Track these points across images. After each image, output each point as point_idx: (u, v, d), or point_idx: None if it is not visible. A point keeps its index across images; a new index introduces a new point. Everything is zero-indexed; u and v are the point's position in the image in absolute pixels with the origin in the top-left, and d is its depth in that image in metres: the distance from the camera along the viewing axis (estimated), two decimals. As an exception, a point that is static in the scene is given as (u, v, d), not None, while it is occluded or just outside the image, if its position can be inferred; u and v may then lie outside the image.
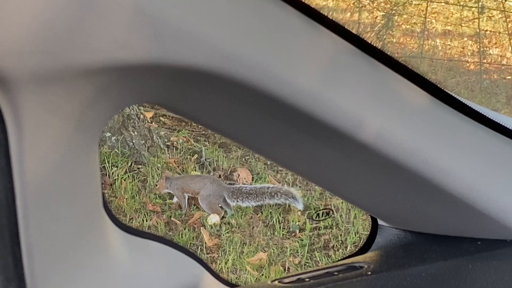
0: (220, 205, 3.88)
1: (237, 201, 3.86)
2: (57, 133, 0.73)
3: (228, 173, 4.35)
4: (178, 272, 0.96)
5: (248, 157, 4.56)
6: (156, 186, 4.01)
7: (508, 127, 0.91)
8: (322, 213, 0.96)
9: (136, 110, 4.62)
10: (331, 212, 0.94)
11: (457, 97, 0.88)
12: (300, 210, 3.81)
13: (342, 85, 0.80)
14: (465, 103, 0.88)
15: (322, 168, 0.92)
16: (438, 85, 0.87)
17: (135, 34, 0.69)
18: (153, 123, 4.98)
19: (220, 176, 4.27)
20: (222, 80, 0.74)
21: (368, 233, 1.06)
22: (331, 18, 0.80)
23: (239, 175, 4.29)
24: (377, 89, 0.83)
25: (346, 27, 0.81)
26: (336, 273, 0.93)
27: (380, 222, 1.05)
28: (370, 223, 1.06)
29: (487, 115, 0.90)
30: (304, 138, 0.85)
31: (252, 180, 4.25)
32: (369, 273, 0.92)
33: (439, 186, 0.86)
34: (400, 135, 0.84)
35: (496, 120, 0.90)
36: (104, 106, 0.76)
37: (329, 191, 0.97)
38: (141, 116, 4.69)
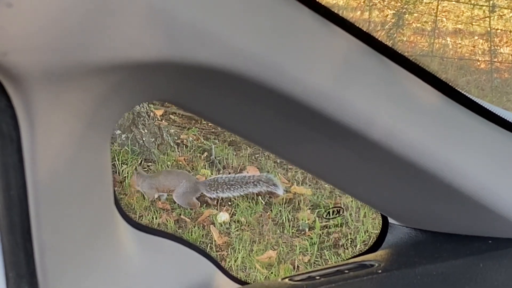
0: (196, 198, 3.89)
1: (217, 192, 3.87)
2: (69, 130, 0.73)
3: (238, 171, 4.35)
4: (189, 269, 0.96)
5: (258, 155, 4.56)
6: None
7: None
8: (333, 211, 0.95)
9: (146, 108, 4.63)
10: (341, 210, 0.94)
11: (468, 95, 0.88)
12: (279, 195, 3.88)
13: (354, 84, 0.80)
14: (476, 101, 0.88)
15: (333, 166, 0.92)
16: (450, 84, 0.86)
17: (147, 32, 0.69)
18: (163, 121, 4.99)
19: (229, 174, 4.27)
20: (234, 77, 0.74)
21: (378, 231, 1.06)
22: (343, 16, 0.80)
23: (248, 173, 4.28)
24: (389, 88, 0.83)
25: (357, 25, 0.81)
26: (346, 271, 0.93)
27: (390, 220, 1.05)
28: (380, 221, 1.06)
29: (498, 113, 0.90)
30: (315, 136, 0.85)
31: (262, 179, 4.24)
32: (380, 271, 0.92)
33: (449, 184, 0.86)
34: (411, 134, 0.84)
35: (507, 119, 0.90)
36: (116, 103, 0.77)
37: (340, 189, 0.97)
38: (151, 114, 4.69)
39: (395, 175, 0.88)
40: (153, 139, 4.51)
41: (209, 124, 4.91)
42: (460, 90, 0.87)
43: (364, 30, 0.81)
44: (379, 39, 0.82)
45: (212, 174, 4.29)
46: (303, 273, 0.94)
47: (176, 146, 4.62)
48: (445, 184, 0.86)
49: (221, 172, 4.33)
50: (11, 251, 0.77)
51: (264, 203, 3.96)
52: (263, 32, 0.75)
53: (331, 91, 0.78)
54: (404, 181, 0.89)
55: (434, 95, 0.85)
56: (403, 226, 1.03)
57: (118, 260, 0.87)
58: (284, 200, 3.97)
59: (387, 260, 0.96)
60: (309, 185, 4.07)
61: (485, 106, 0.89)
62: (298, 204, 3.92)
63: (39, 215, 0.76)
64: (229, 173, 4.29)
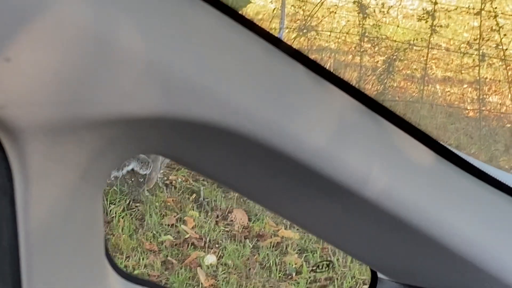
0: None
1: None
2: (63, 182, 0.73)
3: (226, 213, 4.34)
4: None
5: (246, 198, 4.54)
6: None
7: (510, 185, 0.92)
8: (322, 265, 0.95)
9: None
10: (331, 264, 0.94)
11: (461, 154, 0.89)
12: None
13: (348, 142, 0.81)
14: (468, 161, 0.89)
15: (323, 221, 0.92)
16: (442, 144, 0.87)
17: (144, 87, 0.70)
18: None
19: (217, 217, 4.27)
20: (228, 134, 0.75)
21: (365, 277, 1.06)
22: (338, 75, 0.81)
23: (235, 216, 4.28)
24: (383, 147, 0.84)
25: (353, 84, 0.82)
26: None
27: (379, 275, 1.05)
28: (369, 272, 1.06)
29: (489, 173, 0.91)
30: (307, 192, 0.85)
31: (250, 221, 4.24)
32: None
33: (439, 242, 0.87)
34: (404, 192, 0.84)
35: (497, 178, 0.91)
36: (110, 157, 0.77)
37: (330, 243, 0.98)
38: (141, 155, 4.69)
39: (385, 232, 0.88)
40: (142, 180, 4.49)
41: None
42: (453, 150, 0.88)
43: (359, 89, 0.83)
44: (374, 98, 0.83)
45: (200, 215, 4.28)
46: None
47: (164, 187, 4.61)
48: (435, 242, 0.87)
49: (209, 214, 4.32)
50: None
51: (251, 246, 3.95)
52: (259, 89, 0.75)
53: (325, 149, 0.79)
54: (394, 238, 0.90)
55: (427, 154, 0.86)
56: (392, 281, 1.03)
57: None
58: (272, 243, 3.96)
59: None
60: (297, 229, 4.06)
61: (477, 166, 0.89)
62: (286, 248, 3.91)
63: (31, 266, 0.75)
64: (217, 216, 4.28)
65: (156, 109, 0.71)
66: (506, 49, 4.84)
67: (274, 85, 0.77)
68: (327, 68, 0.81)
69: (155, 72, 0.70)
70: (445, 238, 0.87)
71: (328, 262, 0.97)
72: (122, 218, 4.07)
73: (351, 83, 0.82)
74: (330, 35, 7.32)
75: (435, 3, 5.20)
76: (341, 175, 0.80)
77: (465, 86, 6.81)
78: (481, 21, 4.87)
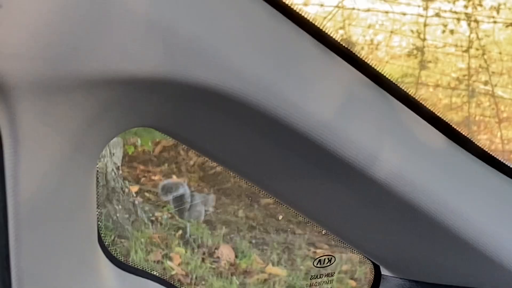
0: None
1: None
2: (55, 151, 0.69)
3: (213, 250, 4.29)
4: None
5: (233, 235, 4.51)
6: None
7: None
8: (324, 259, 0.92)
9: (121, 183, 4.58)
10: (332, 259, 0.90)
11: (472, 139, 0.85)
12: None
13: (356, 117, 0.77)
14: (480, 146, 0.86)
15: (328, 207, 0.88)
16: (454, 127, 0.84)
17: (143, 45, 0.66)
18: (138, 197, 4.92)
19: (204, 253, 4.21)
20: (230, 100, 0.71)
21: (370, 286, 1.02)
22: (348, 48, 0.78)
23: (221, 252, 4.24)
24: (392, 126, 0.81)
25: (363, 59, 0.79)
26: None
27: (383, 272, 1.01)
28: (373, 274, 1.02)
29: (501, 160, 0.87)
30: (311, 170, 0.81)
31: (237, 258, 4.19)
32: None
33: (449, 228, 0.83)
34: (412, 174, 0.81)
35: (510, 166, 0.88)
36: (105, 125, 0.72)
37: (334, 233, 0.93)
38: (126, 190, 4.64)
39: (394, 217, 0.84)
40: (127, 216, 4.44)
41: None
42: (464, 134, 0.84)
43: (370, 64, 0.79)
44: (386, 76, 0.80)
45: (186, 252, 4.22)
46: None
47: (150, 223, 4.54)
48: (444, 228, 0.83)
49: (195, 250, 4.26)
50: None
51: (238, 283, 3.89)
52: (264, 54, 0.72)
53: (331, 121, 0.75)
54: (403, 224, 0.86)
55: (438, 137, 0.83)
56: (396, 277, 0.99)
57: None
58: (259, 280, 3.90)
59: None
60: (285, 266, 4.01)
61: (488, 152, 0.86)
62: (273, 285, 3.85)
63: (19, 240, 0.70)
64: (204, 253, 4.23)
65: (156, 70, 0.67)
66: (495, 85, 4.86)
67: (280, 53, 0.73)
68: (337, 41, 0.78)
69: (156, 31, 0.66)
70: (455, 224, 0.83)
71: (329, 257, 0.93)
72: (107, 253, 4.00)
73: (363, 59, 0.79)
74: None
75: (424, 40, 5.24)
76: (347, 151, 0.76)
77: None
78: (469, 58, 4.90)
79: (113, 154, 4.45)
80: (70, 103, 0.66)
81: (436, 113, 0.83)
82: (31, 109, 0.65)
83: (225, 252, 4.21)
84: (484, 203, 0.86)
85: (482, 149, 0.85)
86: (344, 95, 0.77)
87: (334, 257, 0.97)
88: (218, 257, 4.20)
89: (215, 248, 4.29)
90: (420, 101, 0.82)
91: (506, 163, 0.87)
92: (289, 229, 4.41)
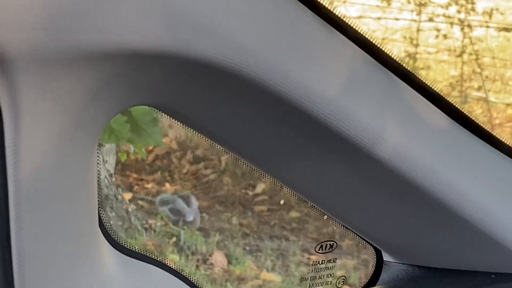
0: None
1: None
2: (56, 128, 0.68)
3: (207, 257, 4.28)
4: None
5: (227, 242, 4.49)
6: None
7: None
8: (326, 245, 0.92)
9: (114, 191, 4.57)
10: (334, 244, 0.90)
11: (476, 121, 0.85)
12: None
13: (359, 96, 0.77)
14: (484, 127, 0.85)
15: (330, 188, 0.87)
16: (457, 107, 0.84)
17: (145, 17, 0.65)
18: (131, 205, 4.91)
19: (198, 260, 4.20)
20: (233, 76, 0.70)
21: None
22: (356, 29, 0.78)
23: (215, 258, 4.23)
24: (396, 105, 0.80)
25: (368, 38, 0.79)
26: None
27: (385, 258, 1.00)
28: (375, 260, 1.01)
29: (505, 142, 0.87)
30: (313, 150, 0.80)
31: (230, 264, 4.18)
32: None
33: (453, 209, 0.83)
34: (416, 153, 0.80)
35: None
36: (107, 102, 0.72)
37: (336, 217, 0.92)
38: (119, 197, 4.62)
39: (397, 198, 0.84)
40: (121, 223, 4.42)
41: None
42: (470, 116, 0.84)
43: (375, 43, 0.79)
44: (391, 56, 0.80)
45: (180, 259, 4.20)
46: None
47: (144, 231, 4.53)
48: (448, 208, 0.82)
49: (189, 257, 4.25)
50: None
51: (232, 289, 3.88)
52: (266, 30, 0.71)
53: (334, 99, 0.74)
54: (406, 206, 0.85)
55: (441, 117, 0.82)
56: (399, 263, 0.98)
57: (100, 280, 0.81)
58: (253, 287, 3.89)
59: None
60: (279, 272, 4.00)
61: (492, 133, 0.86)
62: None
63: (20, 219, 0.69)
64: (198, 260, 4.21)
65: (157, 43, 0.66)
66: (489, 90, 4.87)
67: (284, 28, 0.73)
68: (342, 19, 0.77)
69: (157, 3, 0.66)
70: (459, 205, 0.83)
71: (331, 243, 0.92)
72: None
73: (368, 39, 0.79)
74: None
75: (417, 46, 5.24)
76: (350, 129, 0.76)
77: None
78: (462, 63, 4.91)
79: (106, 161, 4.43)
80: (70, 77, 0.65)
81: (440, 93, 0.83)
82: (32, 83, 0.64)
83: (219, 259, 4.20)
84: (488, 184, 0.86)
85: (486, 130, 0.85)
86: (348, 74, 0.77)
87: (336, 242, 0.96)
88: (211, 264, 4.19)
89: (209, 255, 4.28)
90: (425, 81, 0.82)
91: (510, 145, 0.87)
92: (283, 236, 4.41)
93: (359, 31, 0.78)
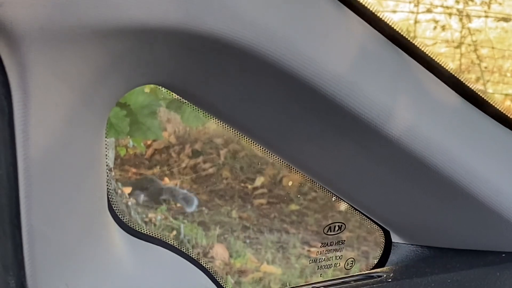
0: None
1: None
2: (65, 105, 0.67)
3: (207, 250, 4.28)
4: (182, 279, 0.90)
5: (227, 235, 4.49)
6: None
7: None
8: (334, 227, 0.91)
9: (114, 185, 4.56)
10: (343, 226, 0.90)
11: (488, 100, 0.85)
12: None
13: (370, 73, 0.76)
14: (495, 106, 0.85)
15: (340, 168, 0.87)
16: (469, 86, 0.83)
17: None
18: (131, 198, 4.91)
19: (198, 253, 4.20)
20: (242, 52, 0.70)
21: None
22: (367, 7, 0.77)
23: (216, 251, 4.23)
24: (407, 83, 0.80)
25: (378, 15, 0.78)
26: (353, 281, 0.87)
27: (394, 239, 1.00)
28: (383, 241, 1.01)
29: None
30: (323, 128, 0.80)
31: (231, 257, 4.18)
32: (390, 280, 0.86)
33: (464, 187, 0.82)
34: (427, 131, 0.80)
35: None
36: (115, 81, 0.71)
37: (345, 198, 0.92)
38: (119, 192, 4.61)
39: (407, 177, 0.83)
40: (121, 217, 4.41)
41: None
42: (481, 95, 0.84)
43: (385, 21, 0.78)
44: (401, 34, 0.79)
45: (180, 252, 4.20)
46: (306, 284, 0.88)
47: (144, 224, 4.52)
48: (459, 187, 0.82)
49: (190, 251, 4.24)
50: None
51: (234, 282, 3.88)
52: (277, 7, 0.71)
53: (344, 75, 0.74)
54: (416, 185, 0.84)
55: (452, 96, 0.82)
56: (408, 244, 0.98)
57: (109, 261, 0.81)
58: (254, 279, 3.89)
59: (395, 272, 0.90)
60: (279, 264, 4.01)
61: (504, 112, 0.85)
62: (268, 283, 3.83)
63: (30, 197, 0.69)
64: (198, 253, 4.21)
65: (167, 18, 0.66)
66: (488, 81, 4.86)
67: (294, 5, 0.73)
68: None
69: None
70: (471, 185, 0.82)
71: (340, 224, 0.92)
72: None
73: (379, 16, 0.78)
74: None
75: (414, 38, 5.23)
76: (361, 107, 0.75)
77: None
78: (461, 54, 4.90)
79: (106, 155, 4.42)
80: (79, 54, 0.65)
81: (451, 71, 0.82)
82: (41, 60, 0.63)
83: (219, 251, 4.19)
84: (500, 162, 0.85)
85: (498, 109, 0.85)
86: (359, 52, 0.76)
87: (344, 224, 0.96)
88: (212, 257, 4.19)
89: (210, 248, 4.28)
90: (435, 60, 0.81)
91: None
92: (283, 229, 4.41)
93: (370, 8, 0.77)
